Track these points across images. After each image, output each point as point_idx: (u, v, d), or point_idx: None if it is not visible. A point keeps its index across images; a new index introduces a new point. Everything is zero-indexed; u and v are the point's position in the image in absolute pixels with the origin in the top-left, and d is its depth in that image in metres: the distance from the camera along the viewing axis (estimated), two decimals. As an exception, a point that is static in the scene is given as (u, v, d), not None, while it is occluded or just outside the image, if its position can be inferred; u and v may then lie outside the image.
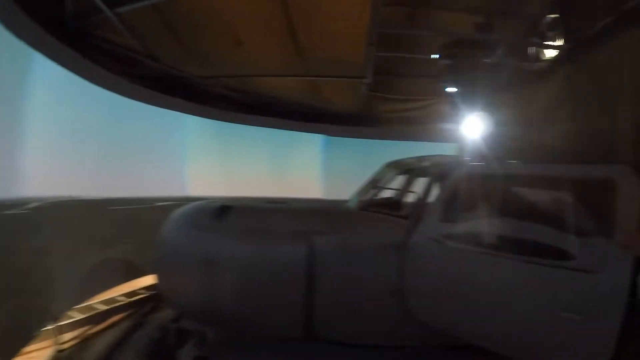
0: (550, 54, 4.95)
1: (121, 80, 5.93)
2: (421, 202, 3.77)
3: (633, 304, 2.93)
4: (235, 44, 5.06)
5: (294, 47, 5.22)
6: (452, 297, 3.22)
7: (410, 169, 4.63)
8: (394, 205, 4.63)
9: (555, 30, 4.77)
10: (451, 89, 5.06)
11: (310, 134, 8.00)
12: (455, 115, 5.46)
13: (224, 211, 3.80)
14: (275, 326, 3.62)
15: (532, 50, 5.05)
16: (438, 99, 7.54)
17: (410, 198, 4.62)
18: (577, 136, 4.60)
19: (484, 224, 3.48)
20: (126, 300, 5.00)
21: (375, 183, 4.73)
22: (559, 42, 4.71)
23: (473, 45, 4.69)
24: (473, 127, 5.14)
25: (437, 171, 3.92)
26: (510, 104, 5.32)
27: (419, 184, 4.83)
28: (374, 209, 4.11)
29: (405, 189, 4.91)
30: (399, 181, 4.86)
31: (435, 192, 3.78)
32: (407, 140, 8.32)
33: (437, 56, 4.89)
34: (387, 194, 4.74)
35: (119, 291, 5.24)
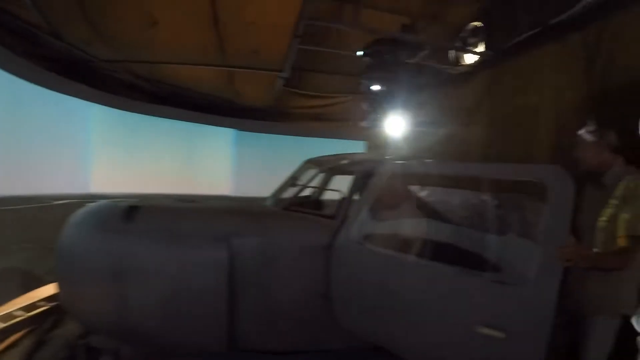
0: (470, 59, 5.12)
1: (20, 59, 5.28)
2: (346, 202, 3.67)
3: (561, 322, 3.00)
4: (150, 24, 4.66)
5: (214, 34, 4.95)
6: (370, 303, 3.13)
7: (332, 167, 4.51)
8: (317, 204, 4.54)
9: (477, 37, 4.93)
10: (373, 87, 5.06)
11: (221, 127, 7.69)
12: (374, 113, 5.50)
13: (133, 212, 3.42)
14: (196, 338, 3.33)
15: (453, 54, 5.19)
16: (352, 97, 7.61)
17: (334, 197, 4.54)
18: (494, 139, 4.81)
19: (407, 227, 3.48)
20: (25, 315, 4.42)
21: (294, 181, 4.57)
22: (480, 49, 4.87)
23: (398, 45, 4.71)
24: (394, 125, 5.19)
25: (362, 169, 3.81)
26: (431, 104, 5.45)
27: (342, 183, 4.80)
28: (297, 208, 3.93)
29: (328, 188, 4.82)
30: (319, 179, 4.70)
31: (360, 191, 3.70)
32: (320, 137, 8.31)
33: (361, 53, 4.86)
34: (308, 192, 4.60)
35: (16, 305, 4.62)
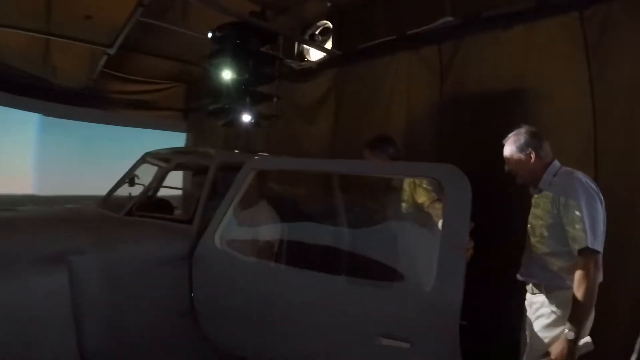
0: (316, 56, 5.05)
1: None
2: (203, 203, 3.24)
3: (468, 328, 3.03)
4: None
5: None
6: (242, 316, 2.78)
7: (180, 163, 3.94)
8: (165, 206, 3.93)
9: (325, 35, 4.89)
10: (220, 74, 4.62)
11: (24, 111, 6.19)
12: (213, 103, 5.11)
13: None
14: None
15: (299, 48, 5.07)
16: (178, 84, 7.07)
17: (186, 197, 4.00)
18: (337, 139, 4.82)
19: (281, 231, 3.22)
20: None
21: (132, 178, 3.91)
22: (327, 47, 4.83)
23: (251, 31, 4.38)
24: (237, 117, 4.87)
25: (217, 164, 3.41)
26: (276, 98, 5.25)
27: (194, 181, 4.25)
28: (143, 213, 3.34)
29: (176, 186, 4.23)
30: (161, 176, 3.94)
31: (216, 189, 3.33)
32: (140, 127, 7.42)
33: (210, 35, 4.41)
34: (151, 192, 3.90)
35: None
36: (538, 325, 2.36)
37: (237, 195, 2.95)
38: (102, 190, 4.04)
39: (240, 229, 3.15)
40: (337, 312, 2.44)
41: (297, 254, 2.86)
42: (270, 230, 3.21)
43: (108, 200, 3.81)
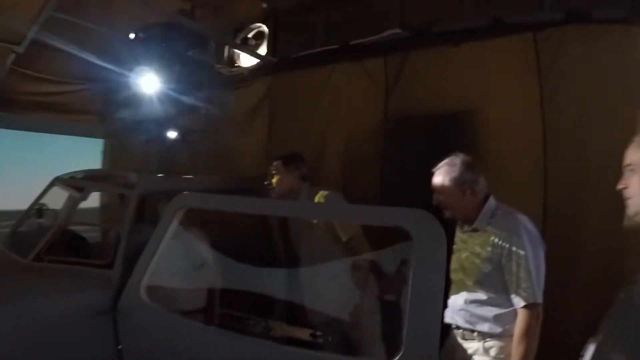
0: (248, 62, 4.66)
1: None
2: (124, 242, 2.81)
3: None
4: None
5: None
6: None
7: (94, 191, 3.44)
8: (81, 245, 3.42)
9: (259, 40, 4.51)
10: (141, 78, 4.14)
11: None
12: (130, 109, 4.62)
13: None
14: None
15: (229, 52, 4.66)
16: (94, 84, 6.33)
17: (105, 233, 3.52)
18: (268, 150, 4.46)
19: (217, 276, 2.87)
20: None
21: (41, 209, 3.41)
22: (261, 53, 4.47)
23: (179, 32, 3.94)
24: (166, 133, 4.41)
25: (139, 195, 2.97)
26: (204, 108, 4.81)
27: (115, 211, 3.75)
28: (54, 257, 2.86)
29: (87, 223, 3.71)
30: (72, 207, 3.32)
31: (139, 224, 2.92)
32: (54, 132, 6.66)
33: (132, 36, 3.93)
34: (63, 225, 3.27)
35: None
36: None
37: (163, 238, 2.53)
38: (11, 204, 3.44)
39: (169, 275, 2.76)
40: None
41: (235, 303, 2.56)
42: (203, 275, 2.87)
43: (14, 236, 3.29)
